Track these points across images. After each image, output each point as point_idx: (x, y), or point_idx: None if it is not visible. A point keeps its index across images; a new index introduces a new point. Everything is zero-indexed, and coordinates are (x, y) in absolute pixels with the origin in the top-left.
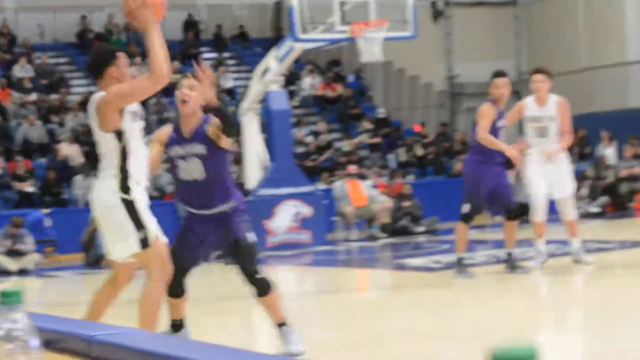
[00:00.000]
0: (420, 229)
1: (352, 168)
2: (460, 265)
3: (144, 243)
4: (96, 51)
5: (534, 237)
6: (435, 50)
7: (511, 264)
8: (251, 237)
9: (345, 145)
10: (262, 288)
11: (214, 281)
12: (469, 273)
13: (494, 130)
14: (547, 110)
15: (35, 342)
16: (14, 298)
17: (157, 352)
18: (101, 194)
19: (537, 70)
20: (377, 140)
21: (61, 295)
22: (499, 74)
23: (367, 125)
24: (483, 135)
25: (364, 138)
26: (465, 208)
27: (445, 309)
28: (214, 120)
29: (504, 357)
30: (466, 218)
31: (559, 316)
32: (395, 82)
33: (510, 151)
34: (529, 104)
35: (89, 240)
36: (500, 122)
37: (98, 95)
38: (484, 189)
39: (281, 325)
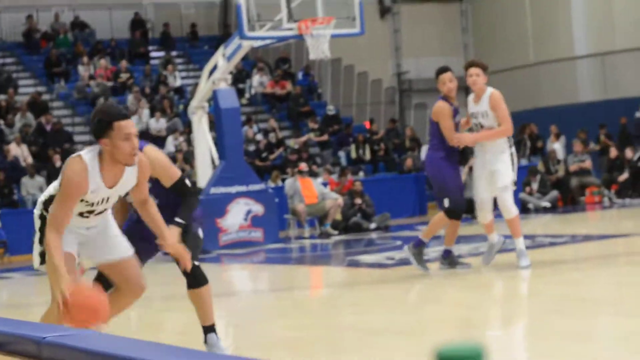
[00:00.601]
0: (373, 225)
1: (303, 166)
2: (415, 255)
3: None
4: (94, 114)
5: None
6: (384, 47)
7: (451, 261)
8: (196, 228)
9: (292, 143)
10: (197, 280)
11: (161, 279)
12: (424, 266)
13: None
14: (481, 106)
15: None
16: None
17: (107, 352)
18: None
19: (472, 64)
20: (324, 138)
21: (12, 297)
22: (442, 70)
23: (312, 124)
24: (451, 137)
25: (312, 136)
26: (446, 202)
27: (399, 305)
28: None
29: (449, 356)
30: (453, 213)
31: (509, 311)
32: (344, 79)
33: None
34: (469, 100)
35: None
36: (457, 117)
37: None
38: (451, 185)
39: (210, 329)
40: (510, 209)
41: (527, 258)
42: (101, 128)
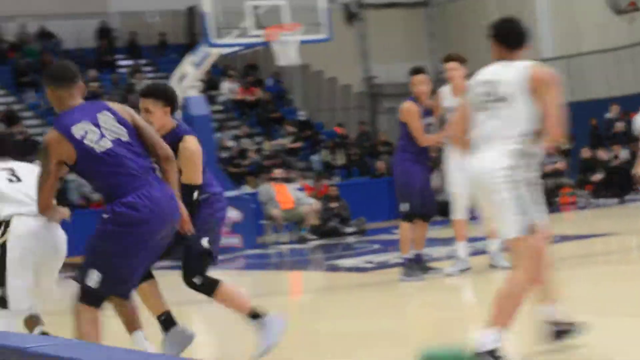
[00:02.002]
0: (350, 229)
1: (278, 172)
2: (407, 268)
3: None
4: None
5: (455, 238)
6: (352, 52)
7: (423, 266)
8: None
9: (265, 146)
10: (208, 289)
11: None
12: (418, 275)
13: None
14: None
15: None
16: None
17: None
18: None
19: (449, 58)
20: (297, 145)
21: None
22: (416, 70)
23: (290, 128)
24: (420, 137)
25: (286, 142)
26: (405, 207)
27: (379, 309)
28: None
29: (433, 358)
30: (408, 217)
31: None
32: (314, 85)
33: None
34: (444, 93)
35: None
36: (428, 119)
37: None
38: (414, 188)
39: (253, 315)
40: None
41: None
42: None
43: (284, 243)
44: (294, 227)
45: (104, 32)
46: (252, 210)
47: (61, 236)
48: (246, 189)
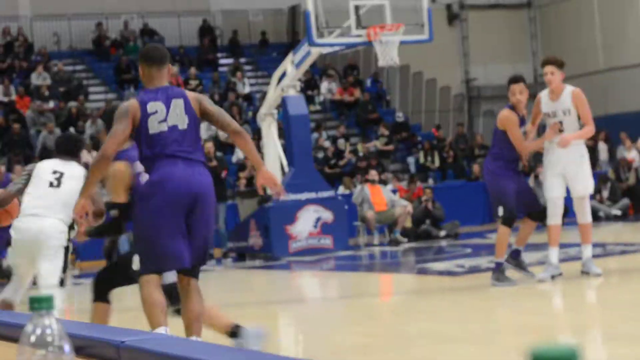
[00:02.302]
0: (442, 233)
1: (373, 173)
2: (499, 272)
3: None
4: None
5: (549, 243)
6: (452, 54)
7: (519, 262)
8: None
9: (359, 148)
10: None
11: (235, 286)
12: (510, 280)
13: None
14: (561, 103)
15: (68, 347)
16: (44, 304)
17: (187, 356)
18: None
19: (547, 61)
20: (389, 147)
21: (84, 303)
22: (514, 79)
23: (383, 131)
24: (521, 146)
25: (378, 144)
26: (502, 211)
27: (470, 313)
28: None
29: (544, 356)
30: (507, 221)
31: (581, 319)
32: (413, 86)
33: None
34: (543, 98)
35: (111, 248)
36: (522, 127)
37: None
38: (509, 190)
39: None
40: (587, 214)
41: (598, 269)
42: None
43: (375, 245)
44: (386, 229)
45: (206, 31)
46: (345, 212)
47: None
48: (342, 190)
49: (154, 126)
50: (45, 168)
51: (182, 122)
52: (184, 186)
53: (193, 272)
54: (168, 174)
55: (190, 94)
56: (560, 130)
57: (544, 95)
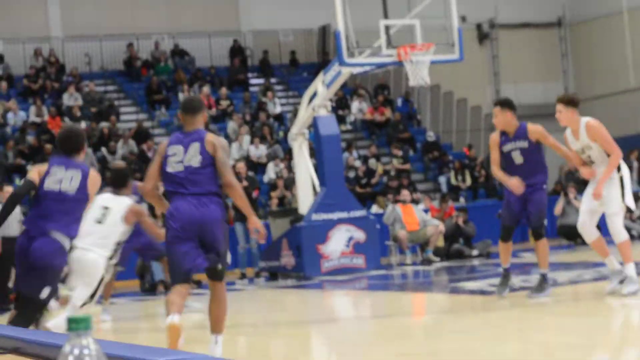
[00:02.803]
0: (474, 252)
1: (405, 193)
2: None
3: None
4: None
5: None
6: (482, 73)
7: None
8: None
9: (378, 168)
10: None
11: (265, 306)
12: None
13: (505, 156)
14: (581, 140)
15: None
16: (82, 324)
17: None
18: None
19: (558, 100)
20: (406, 166)
21: (120, 322)
22: (495, 103)
23: (396, 152)
24: (493, 169)
25: (395, 163)
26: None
27: (503, 333)
28: None
29: None
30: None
31: (618, 339)
32: (444, 106)
33: (510, 182)
34: (568, 137)
35: (144, 267)
36: (507, 145)
37: None
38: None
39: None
40: (620, 233)
41: (636, 284)
42: None
43: (408, 264)
44: (418, 249)
45: (237, 51)
46: (377, 231)
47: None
48: (375, 209)
49: (173, 166)
50: (96, 202)
51: (196, 162)
52: (189, 217)
53: (215, 277)
54: (178, 207)
55: (209, 139)
56: (592, 162)
57: (568, 134)
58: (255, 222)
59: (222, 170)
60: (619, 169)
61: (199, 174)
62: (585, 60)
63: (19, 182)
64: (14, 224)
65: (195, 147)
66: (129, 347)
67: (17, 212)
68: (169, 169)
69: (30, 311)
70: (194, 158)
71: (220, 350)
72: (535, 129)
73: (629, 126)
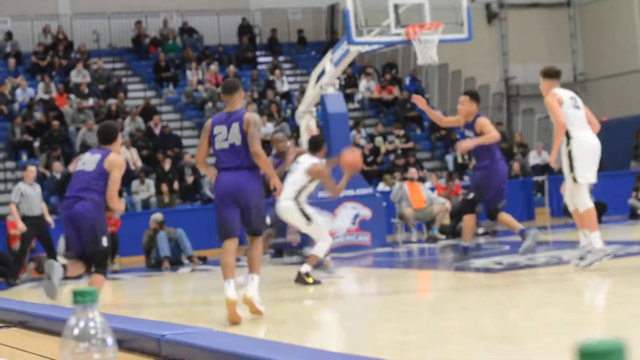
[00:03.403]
0: (480, 230)
1: (413, 171)
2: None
3: None
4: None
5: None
6: (491, 52)
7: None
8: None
9: (381, 147)
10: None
11: (268, 283)
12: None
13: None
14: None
15: (111, 340)
16: (88, 297)
17: (227, 350)
18: None
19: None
20: (409, 145)
21: (123, 298)
22: (467, 93)
23: (398, 131)
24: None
25: (397, 142)
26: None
27: (508, 310)
28: None
29: (591, 351)
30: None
31: (622, 316)
32: (452, 85)
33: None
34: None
35: (149, 243)
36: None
37: None
38: None
39: None
40: (578, 203)
41: (597, 255)
42: None
43: (413, 242)
44: (424, 226)
45: (245, 29)
46: (384, 209)
47: None
48: (382, 187)
49: (219, 144)
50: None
51: (238, 140)
52: (228, 187)
53: (251, 233)
54: (222, 178)
55: (246, 118)
56: None
57: None
58: (276, 182)
59: (250, 142)
60: (568, 142)
61: (240, 150)
62: (594, 41)
63: (25, 158)
64: (36, 205)
65: (235, 127)
66: (133, 321)
67: (39, 194)
68: (217, 146)
69: (103, 262)
70: (236, 137)
71: (255, 285)
72: (480, 122)
73: (637, 106)
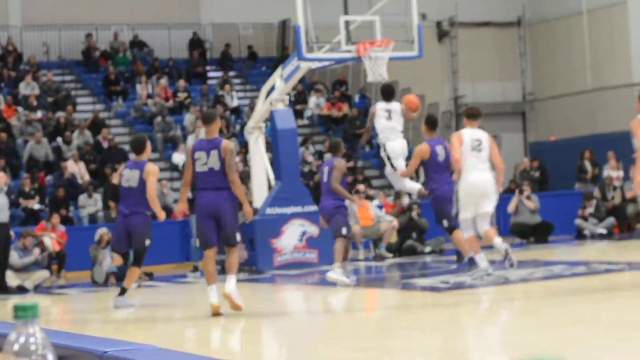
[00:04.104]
0: (427, 249)
1: (361, 187)
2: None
3: None
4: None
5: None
6: (441, 70)
7: None
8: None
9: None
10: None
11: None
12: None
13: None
14: None
15: (51, 356)
16: (29, 312)
17: None
18: None
19: None
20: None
21: (68, 313)
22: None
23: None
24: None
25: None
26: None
27: (453, 329)
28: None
29: None
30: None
31: (563, 336)
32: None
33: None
34: None
35: (96, 258)
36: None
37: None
38: None
39: None
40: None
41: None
42: None
43: (360, 260)
44: (371, 244)
45: (196, 43)
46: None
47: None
48: None
49: (199, 167)
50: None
51: (217, 165)
52: (207, 205)
53: (229, 244)
54: (202, 196)
55: (224, 146)
56: None
57: None
58: (247, 208)
59: (228, 171)
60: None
61: (217, 174)
62: (543, 60)
63: None
64: (3, 213)
65: (214, 154)
66: (76, 337)
67: (5, 203)
68: (197, 169)
69: (141, 258)
70: (215, 162)
71: (233, 282)
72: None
73: (585, 127)
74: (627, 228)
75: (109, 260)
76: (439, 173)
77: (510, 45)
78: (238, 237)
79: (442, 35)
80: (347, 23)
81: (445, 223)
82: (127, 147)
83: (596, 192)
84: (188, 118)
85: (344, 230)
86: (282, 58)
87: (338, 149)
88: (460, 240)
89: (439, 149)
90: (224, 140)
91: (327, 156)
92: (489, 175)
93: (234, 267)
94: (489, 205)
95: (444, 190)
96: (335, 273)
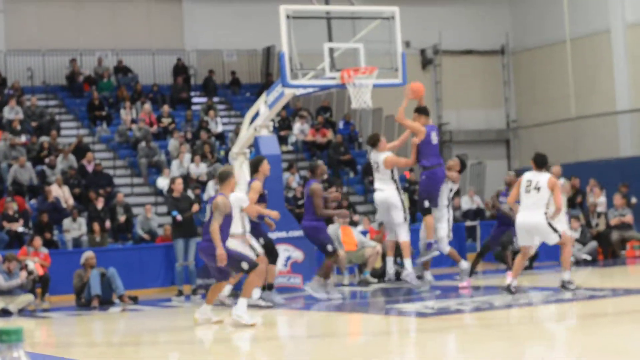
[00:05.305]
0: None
1: (347, 212)
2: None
3: None
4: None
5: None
6: (425, 98)
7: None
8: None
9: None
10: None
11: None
12: None
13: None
14: None
15: None
16: (13, 336)
17: None
18: None
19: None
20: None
21: (52, 337)
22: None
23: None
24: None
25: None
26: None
27: (438, 355)
28: None
29: None
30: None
31: None
32: (385, 129)
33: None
34: None
35: (81, 282)
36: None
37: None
38: None
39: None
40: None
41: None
42: None
43: (345, 285)
44: (356, 270)
45: (180, 69)
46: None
47: None
48: None
49: (204, 218)
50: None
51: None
52: (206, 250)
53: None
54: (201, 243)
55: (213, 202)
56: None
57: None
58: (220, 253)
59: (211, 221)
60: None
61: (208, 224)
62: (527, 88)
63: None
64: None
65: (208, 207)
66: None
67: None
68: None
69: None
70: (208, 214)
71: (243, 305)
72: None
73: (569, 154)
74: (611, 254)
75: (96, 283)
76: (433, 156)
77: (494, 73)
78: (239, 267)
79: (426, 63)
80: (331, 50)
81: (425, 203)
82: (112, 172)
83: (581, 219)
84: (172, 143)
85: (329, 247)
86: (266, 84)
87: (315, 172)
88: (430, 225)
89: (433, 135)
90: (217, 197)
91: None
92: None
93: (249, 289)
94: None
95: (436, 173)
96: (310, 287)
